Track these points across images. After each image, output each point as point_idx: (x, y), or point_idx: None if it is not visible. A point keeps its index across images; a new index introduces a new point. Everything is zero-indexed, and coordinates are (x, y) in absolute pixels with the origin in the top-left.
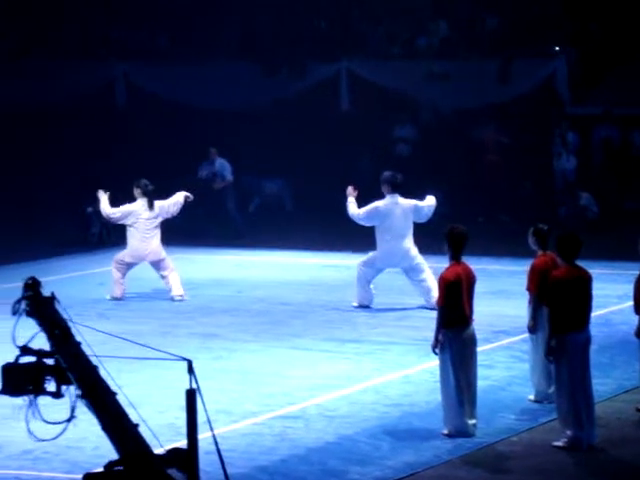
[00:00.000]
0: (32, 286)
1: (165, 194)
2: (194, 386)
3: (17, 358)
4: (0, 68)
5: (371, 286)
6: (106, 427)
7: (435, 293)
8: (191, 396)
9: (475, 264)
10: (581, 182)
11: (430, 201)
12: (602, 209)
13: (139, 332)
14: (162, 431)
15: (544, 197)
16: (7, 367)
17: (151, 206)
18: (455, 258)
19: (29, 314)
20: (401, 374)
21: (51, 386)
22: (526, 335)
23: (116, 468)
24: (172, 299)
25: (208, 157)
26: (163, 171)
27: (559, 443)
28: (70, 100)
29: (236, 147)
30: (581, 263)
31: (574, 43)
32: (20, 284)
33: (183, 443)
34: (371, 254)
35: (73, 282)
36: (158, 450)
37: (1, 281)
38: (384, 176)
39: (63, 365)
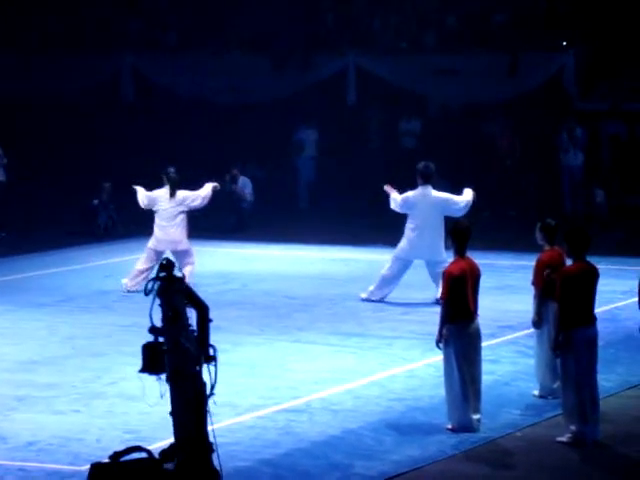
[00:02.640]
0: (166, 267)
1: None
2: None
3: (156, 337)
4: (21, 63)
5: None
6: (173, 412)
7: None
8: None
9: (481, 259)
10: (588, 178)
11: (467, 196)
12: (609, 205)
13: (144, 324)
14: (163, 423)
15: (551, 192)
16: (147, 346)
17: (172, 195)
18: (459, 253)
19: (159, 294)
20: (405, 368)
21: None
22: (531, 330)
23: (122, 459)
24: None
25: (232, 176)
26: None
27: (563, 439)
28: (77, 93)
29: (242, 140)
30: (588, 258)
31: (582, 38)
32: (30, 274)
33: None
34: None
35: (79, 274)
36: (163, 443)
37: (11, 272)
38: (417, 167)
39: (163, 347)
